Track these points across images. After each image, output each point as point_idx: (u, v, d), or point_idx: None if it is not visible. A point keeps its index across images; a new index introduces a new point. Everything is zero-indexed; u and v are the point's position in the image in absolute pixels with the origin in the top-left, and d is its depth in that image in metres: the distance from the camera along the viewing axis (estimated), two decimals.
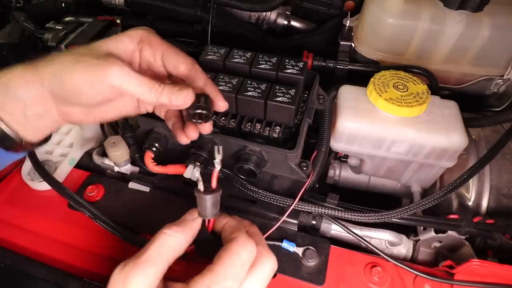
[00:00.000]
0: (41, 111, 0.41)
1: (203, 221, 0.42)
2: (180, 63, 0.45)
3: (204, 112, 0.43)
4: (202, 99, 0.43)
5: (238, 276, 0.35)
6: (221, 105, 0.47)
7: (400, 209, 0.53)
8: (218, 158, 0.40)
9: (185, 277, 0.36)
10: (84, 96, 0.40)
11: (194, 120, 0.44)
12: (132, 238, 0.52)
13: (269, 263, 0.38)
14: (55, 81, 0.39)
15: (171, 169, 0.57)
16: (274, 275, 0.51)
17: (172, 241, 0.37)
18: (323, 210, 0.54)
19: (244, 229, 0.40)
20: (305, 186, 0.56)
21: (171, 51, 0.45)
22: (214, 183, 0.40)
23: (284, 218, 0.54)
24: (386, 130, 0.58)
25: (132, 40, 0.44)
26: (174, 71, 0.46)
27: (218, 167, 0.40)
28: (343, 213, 0.54)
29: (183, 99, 0.41)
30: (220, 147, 0.40)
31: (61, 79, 0.39)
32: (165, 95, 0.40)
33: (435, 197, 0.53)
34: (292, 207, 0.54)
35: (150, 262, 0.35)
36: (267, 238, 0.52)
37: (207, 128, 0.47)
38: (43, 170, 0.57)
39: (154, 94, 0.40)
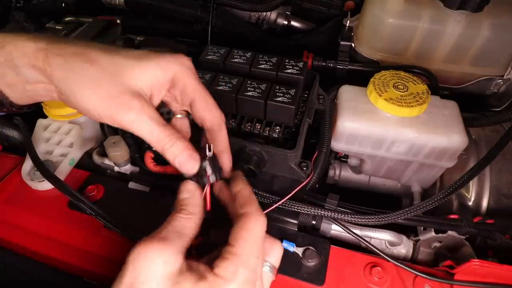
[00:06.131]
0: (42, 91, 0.39)
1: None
2: (207, 119, 0.41)
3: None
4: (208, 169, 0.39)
5: (260, 252, 0.35)
6: (226, 167, 0.43)
7: (403, 211, 0.53)
8: (209, 155, 0.39)
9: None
10: (84, 112, 0.37)
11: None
12: (134, 235, 0.52)
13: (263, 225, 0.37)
14: (64, 87, 0.37)
15: (171, 169, 0.57)
16: None
17: (188, 222, 0.36)
18: (327, 213, 0.54)
19: (254, 200, 0.38)
20: (301, 185, 0.55)
21: (203, 101, 0.41)
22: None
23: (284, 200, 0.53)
24: (386, 130, 0.58)
25: (165, 75, 0.39)
26: (198, 121, 0.42)
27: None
28: (346, 215, 0.54)
29: (187, 170, 0.38)
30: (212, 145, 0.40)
31: (70, 90, 0.36)
32: (171, 154, 0.38)
33: (437, 198, 0.52)
34: (283, 201, 0.54)
35: (169, 240, 0.33)
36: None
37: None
38: (44, 168, 0.57)
39: (161, 147, 0.37)
